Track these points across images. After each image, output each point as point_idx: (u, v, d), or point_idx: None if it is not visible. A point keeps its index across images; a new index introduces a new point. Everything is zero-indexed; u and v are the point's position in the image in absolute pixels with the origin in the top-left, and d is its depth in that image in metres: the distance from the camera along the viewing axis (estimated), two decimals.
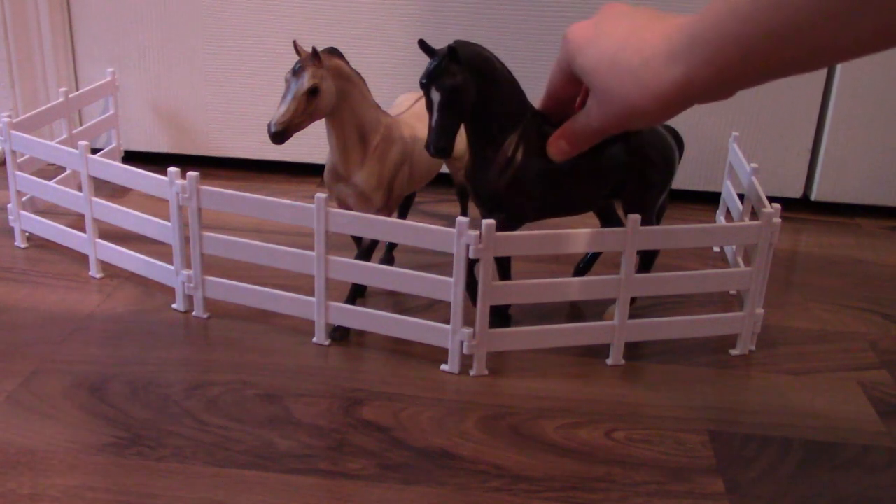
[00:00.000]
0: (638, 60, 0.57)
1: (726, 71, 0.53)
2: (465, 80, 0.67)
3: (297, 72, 0.70)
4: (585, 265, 0.85)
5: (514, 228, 0.73)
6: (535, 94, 0.72)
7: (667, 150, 0.76)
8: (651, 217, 0.77)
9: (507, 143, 0.71)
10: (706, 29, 0.52)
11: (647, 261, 0.80)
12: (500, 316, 0.78)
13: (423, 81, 0.68)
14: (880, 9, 0.44)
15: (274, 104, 0.70)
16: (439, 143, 0.68)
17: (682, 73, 0.54)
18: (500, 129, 0.71)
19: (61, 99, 0.98)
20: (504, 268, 0.76)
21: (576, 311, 0.85)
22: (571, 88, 0.67)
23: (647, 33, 0.57)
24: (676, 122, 0.73)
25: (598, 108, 0.62)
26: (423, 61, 0.68)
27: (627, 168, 0.74)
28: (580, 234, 0.71)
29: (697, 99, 0.56)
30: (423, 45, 0.68)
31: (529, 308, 0.82)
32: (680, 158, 0.80)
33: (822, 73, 1.07)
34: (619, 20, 0.60)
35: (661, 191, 0.77)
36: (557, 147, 0.69)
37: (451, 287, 0.71)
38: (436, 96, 0.67)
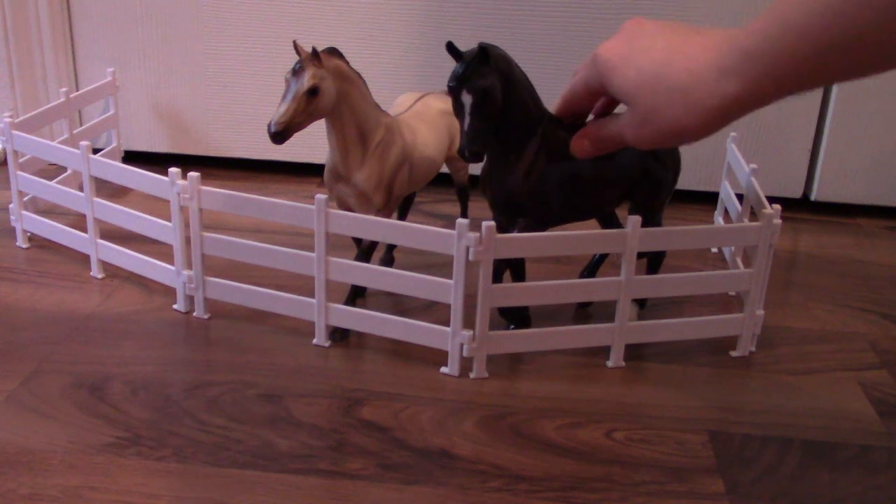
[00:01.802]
0: (687, 78, 0.55)
1: (782, 84, 0.52)
2: (494, 82, 0.66)
3: (297, 72, 0.70)
4: (590, 270, 0.85)
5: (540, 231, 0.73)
6: (543, 96, 0.72)
7: (676, 157, 0.77)
8: (660, 219, 0.77)
9: (529, 148, 0.70)
10: (761, 43, 0.51)
11: (654, 263, 0.80)
12: (520, 318, 0.78)
13: (453, 84, 0.66)
14: None
15: (274, 104, 0.70)
16: (473, 147, 0.66)
17: (736, 88, 0.53)
18: (521, 132, 0.70)
19: (62, 99, 0.98)
20: (518, 269, 0.76)
21: (583, 313, 0.85)
22: (592, 102, 0.67)
23: (689, 49, 0.56)
24: None
25: (636, 126, 0.59)
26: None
27: (640, 170, 0.74)
28: (580, 235, 0.71)
29: (746, 112, 0.55)
30: (450, 48, 0.66)
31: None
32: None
33: None
34: (654, 36, 0.58)
35: (669, 191, 0.77)
36: (580, 146, 0.68)
37: (450, 289, 0.71)
38: (467, 99, 0.66)
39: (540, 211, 0.72)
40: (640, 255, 0.78)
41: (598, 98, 0.66)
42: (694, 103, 0.55)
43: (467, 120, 0.66)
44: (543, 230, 0.73)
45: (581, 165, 0.71)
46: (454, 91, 0.66)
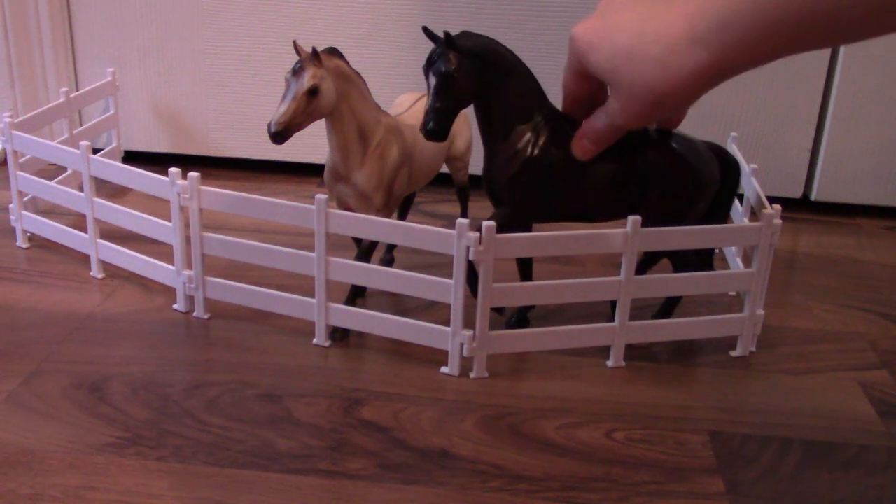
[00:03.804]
0: (658, 49, 0.57)
1: (753, 53, 0.53)
2: (460, 67, 0.68)
3: (297, 72, 0.70)
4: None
5: (518, 223, 0.72)
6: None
7: (699, 166, 0.73)
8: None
9: (516, 135, 0.71)
10: (732, 14, 0.53)
11: (682, 268, 0.78)
12: (520, 319, 0.78)
13: (424, 67, 0.69)
14: None
15: (274, 104, 0.70)
16: (430, 125, 0.69)
17: (706, 57, 0.55)
18: (509, 120, 0.71)
19: (62, 99, 0.98)
20: (526, 268, 0.76)
21: (585, 312, 0.85)
22: (587, 87, 0.67)
23: (660, 21, 0.57)
24: None
25: (620, 104, 0.62)
26: (423, 62, 0.69)
27: (649, 179, 0.72)
28: (581, 235, 0.71)
29: (722, 80, 0.57)
30: (427, 31, 0.69)
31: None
32: (735, 179, 0.77)
33: (822, 72, 1.07)
34: (625, 11, 0.60)
35: (687, 207, 0.73)
36: (582, 147, 0.68)
37: (450, 289, 0.71)
38: (432, 80, 0.69)
39: (523, 200, 0.72)
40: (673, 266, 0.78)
41: (586, 82, 0.66)
42: (667, 72, 0.57)
43: (430, 100, 0.69)
44: (523, 222, 0.73)
45: (570, 160, 0.70)
46: (424, 73, 0.70)
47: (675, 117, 0.71)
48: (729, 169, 0.77)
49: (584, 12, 1.06)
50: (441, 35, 0.69)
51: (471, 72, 0.68)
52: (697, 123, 1.07)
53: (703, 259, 0.79)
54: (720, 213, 0.78)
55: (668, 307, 0.80)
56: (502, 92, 0.70)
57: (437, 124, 0.69)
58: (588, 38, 0.62)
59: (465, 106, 0.71)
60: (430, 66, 0.69)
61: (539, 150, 0.71)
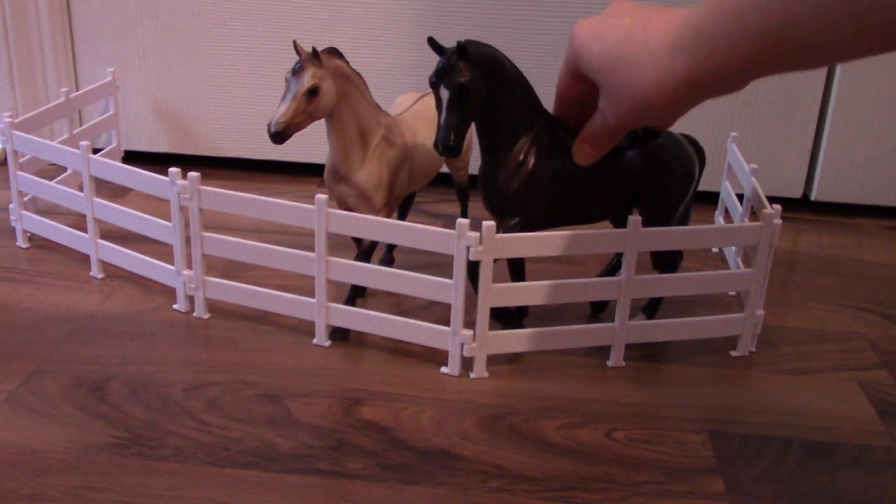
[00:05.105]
0: (644, 53, 0.57)
1: (727, 65, 0.53)
2: (473, 78, 0.67)
3: (297, 72, 0.70)
4: (612, 267, 0.84)
5: (527, 232, 0.72)
6: (540, 96, 0.72)
7: (685, 159, 0.75)
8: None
9: (519, 146, 0.70)
10: (707, 22, 0.53)
11: (666, 263, 0.79)
12: (508, 316, 0.78)
13: (433, 80, 0.67)
14: (861, 12, 0.44)
15: (274, 104, 0.70)
16: (447, 140, 0.67)
17: (684, 65, 0.54)
18: (511, 130, 0.70)
19: (62, 99, 0.98)
20: (518, 269, 0.76)
21: (585, 312, 0.85)
22: (580, 87, 0.67)
23: (651, 25, 0.57)
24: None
25: (610, 105, 0.62)
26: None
27: (644, 176, 0.73)
28: (580, 235, 0.71)
29: (706, 92, 0.56)
30: (432, 42, 0.67)
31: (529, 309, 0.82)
32: (702, 169, 0.79)
33: (822, 74, 1.07)
34: (624, 15, 0.60)
35: (678, 200, 0.75)
36: (582, 153, 0.68)
37: (451, 289, 0.71)
38: (444, 94, 0.67)
39: (529, 210, 0.72)
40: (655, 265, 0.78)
41: (579, 82, 0.66)
42: (648, 78, 0.57)
43: (444, 114, 0.67)
44: (531, 231, 0.73)
45: (572, 166, 0.70)
46: (433, 86, 0.68)
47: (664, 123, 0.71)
48: (701, 157, 0.79)
49: (584, 13, 1.06)
50: (441, 45, 0.67)
51: (483, 82, 0.67)
52: (698, 123, 1.07)
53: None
54: (689, 202, 0.79)
55: (653, 306, 0.80)
56: (504, 102, 0.69)
57: (455, 139, 0.67)
58: (584, 36, 0.62)
59: (476, 118, 0.69)
60: (440, 78, 0.67)
61: (543, 158, 0.70)
